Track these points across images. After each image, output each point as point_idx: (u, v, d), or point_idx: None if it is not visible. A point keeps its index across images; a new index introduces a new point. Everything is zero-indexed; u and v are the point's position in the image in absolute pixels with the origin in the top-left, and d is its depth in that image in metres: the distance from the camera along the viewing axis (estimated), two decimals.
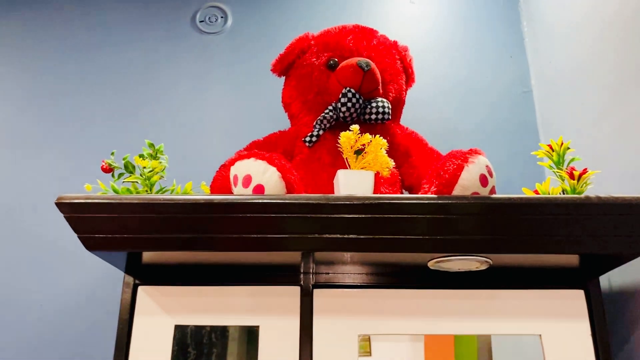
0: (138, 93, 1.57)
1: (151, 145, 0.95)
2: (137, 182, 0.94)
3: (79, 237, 0.90)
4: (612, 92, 1.18)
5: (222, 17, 1.62)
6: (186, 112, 1.55)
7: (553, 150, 0.98)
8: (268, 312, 1.01)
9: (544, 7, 1.51)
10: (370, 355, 1.05)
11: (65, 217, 0.89)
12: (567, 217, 0.87)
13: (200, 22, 1.62)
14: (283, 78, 1.33)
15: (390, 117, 1.21)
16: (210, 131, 1.53)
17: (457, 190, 0.88)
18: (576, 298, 1.01)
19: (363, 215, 0.88)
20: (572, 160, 0.97)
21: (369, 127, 1.19)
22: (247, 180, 0.91)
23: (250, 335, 1.03)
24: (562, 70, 1.40)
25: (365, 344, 1.06)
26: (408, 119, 1.33)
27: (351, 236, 0.89)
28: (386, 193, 1.13)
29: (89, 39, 1.63)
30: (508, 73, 1.57)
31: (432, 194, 0.90)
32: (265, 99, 1.54)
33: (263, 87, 1.55)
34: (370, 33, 1.31)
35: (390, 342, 1.06)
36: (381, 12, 1.66)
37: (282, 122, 1.33)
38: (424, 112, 1.52)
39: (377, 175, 1.01)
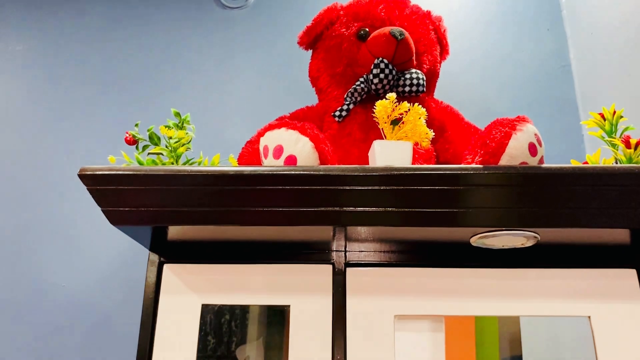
0: (163, 68, 1.54)
1: (177, 115, 0.91)
2: (162, 153, 0.89)
3: (103, 211, 0.86)
4: None
5: None
6: (211, 88, 1.51)
7: (605, 119, 0.91)
8: (299, 291, 0.96)
9: None
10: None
11: (88, 189, 0.85)
12: (622, 188, 0.81)
13: None
14: (310, 52, 1.28)
15: (424, 90, 1.15)
16: (235, 107, 1.49)
17: (504, 160, 0.82)
18: (628, 277, 0.95)
19: (401, 187, 0.82)
20: (626, 129, 0.90)
21: (402, 100, 1.12)
22: (279, 150, 0.86)
23: (279, 315, 0.98)
24: (604, 42, 1.33)
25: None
26: (441, 93, 1.27)
27: (389, 209, 0.83)
28: None
29: (115, 16, 1.61)
30: (545, 47, 1.50)
31: (477, 164, 0.84)
32: (292, 74, 1.50)
33: (289, 62, 1.51)
34: (402, 2, 1.25)
35: (410, 333, 1.01)
36: None
37: (309, 97, 1.29)
38: (457, 87, 1.46)
39: (414, 147, 0.95)
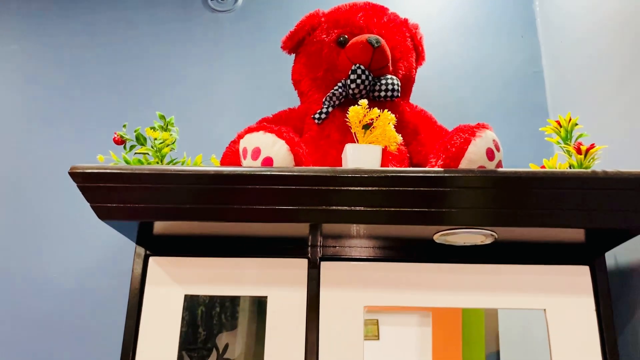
0: (149, 71, 1.58)
1: (162, 117, 0.97)
2: (148, 153, 0.95)
3: (92, 207, 0.92)
4: (624, 73, 1.17)
5: None
6: (197, 89, 1.56)
7: (561, 126, 0.98)
8: (276, 283, 1.03)
9: None
10: (378, 339, 1.08)
11: (78, 186, 0.91)
12: (573, 191, 0.88)
13: (212, 0, 1.63)
14: (293, 55, 1.34)
15: (399, 95, 1.21)
16: (220, 108, 1.55)
17: (463, 164, 0.89)
18: (581, 274, 1.02)
19: (370, 188, 0.89)
20: (580, 136, 0.97)
21: (378, 104, 1.19)
22: (256, 152, 0.92)
23: (260, 306, 1.05)
24: (573, 50, 1.40)
25: (373, 328, 1.08)
26: (417, 98, 1.33)
27: (358, 208, 0.90)
28: None
29: (102, 18, 1.65)
30: (519, 53, 1.56)
31: (439, 167, 0.91)
32: (275, 77, 1.55)
33: (273, 65, 1.56)
34: (381, 10, 1.31)
35: (397, 327, 1.08)
36: None
37: (292, 99, 1.34)
38: (433, 91, 1.51)
39: (385, 151, 1.02)
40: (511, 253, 1.03)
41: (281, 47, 1.32)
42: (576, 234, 0.96)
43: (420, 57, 1.35)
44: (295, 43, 1.30)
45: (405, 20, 1.33)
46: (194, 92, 1.56)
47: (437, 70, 1.53)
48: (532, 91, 1.52)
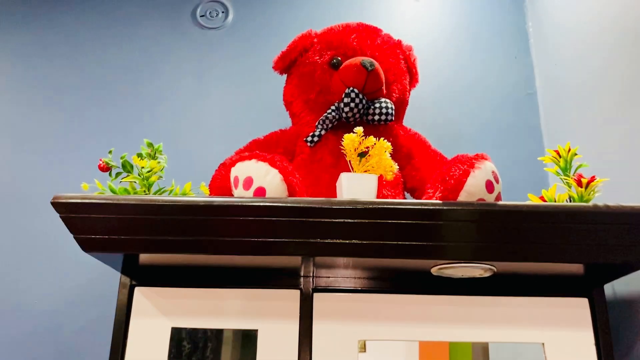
0: (137, 90, 1.54)
1: (150, 145, 0.93)
2: (135, 182, 0.91)
3: (75, 238, 0.88)
4: (621, 95, 1.16)
5: (223, 12, 1.60)
6: (186, 109, 1.52)
7: (560, 156, 0.96)
8: (267, 315, 0.99)
9: (550, 7, 1.49)
10: (365, 351, 1.04)
11: (61, 217, 0.87)
12: (575, 226, 0.86)
13: (201, 16, 1.60)
14: (285, 76, 1.31)
15: (393, 118, 1.19)
16: (210, 129, 1.51)
17: (462, 196, 0.87)
18: (580, 306, 1.00)
19: (366, 221, 0.86)
20: (580, 166, 0.95)
21: (371, 127, 1.17)
22: (248, 182, 0.89)
23: (248, 339, 1.01)
24: (568, 72, 1.38)
25: (360, 341, 1.05)
26: (410, 120, 1.31)
27: (354, 241, 0.87)
28: (388, 196, 1.11)
29: (86, 34, 1.60)
30: (512, 74, 1.55)
31: (437, 199, 0.88)
32: (266, 97, 1.52)
33: (264, 85, 1.53)
34: (374, 32, 1.29)
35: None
36: (384, 11, 1.64)
37: (283, 120, 1.31)
38: (426, 113, 1.50)
39: (380, 178, 0.99)
40: (509, 285, 1.00)
41: (273, 68, 1.29)
42: (575, 268, 0.94)
43: (413, 80, 1.33)
44: (287, 64, 1.28)
45: (399, 42, 1.31)
46: (182, 112, 1.52)
47: (428, 92, 1.51)
48: (526, 113, 1.51)
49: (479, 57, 1.57)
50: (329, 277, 1.02)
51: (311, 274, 1.01)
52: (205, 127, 1.51)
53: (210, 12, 1.59)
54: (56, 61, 1.58)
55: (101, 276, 1.31)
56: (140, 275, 1.03)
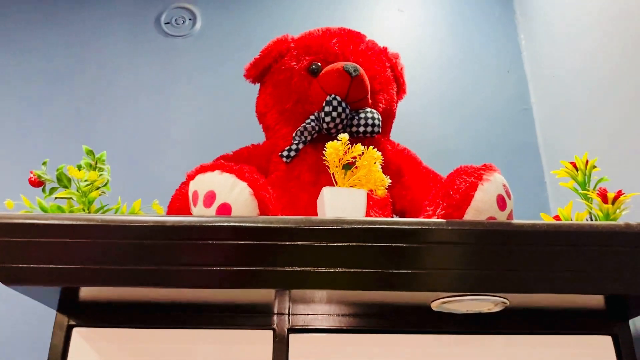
0: (92, 98, 1.39)
1: (90, 153, 0.77)
2: (72, 198, 0.75)
3: None
4: (629, 108, 1.04)
5: (190, 19, 1.47)
6: (146, 122, 1.38)
7: (577, 169, 0.82)
8: None
9: (543, 17, 1.39)
10: None
11: None
12: (601, 249, 0.72)
13: (166, 24, 1.46)
14: (258, 85, 1.17)
15: (380, 130, 1.06)
16: (173, 144, 1.37)
17: (469, 214, 0.72)
18: (603, 345, 0.85)
19: (353, 244, 0.71)
20: (600, 180, 0.82)
21: (355, 141, 1.01)
22: (210, 197, 0.73)
23: None
24: (566, 84, 1.27)
25: None
26: (395, 137, 1.18)
27: (338, 270, 0.71)
28: (376, 217, 0.96)
29: (39, 37, 1.45)
30: (505, 89, 1.44)
31: (439, 217, 0.73)
32: (237, 109, 1.39)
33: (235, 96, 1.40)
34: (357, 37, 1.17)
35: None
36: (366, 21, 1.53)
37: (256, 134, 1.17)
38: (414, 130, 1.37)
39: (368, 195, 0.84)
40: (523, 321, 0.85)
41: (244, 76, 1.16)
42: (595, 300, 0.80)
43: (401, 90, 1.20)
44: (260, 71, 1.14)
45: (385, 49, 1.19)
46: (142, 125, 1.38)
47: (417, 105, 1.39)
48: (521, 130, 1.40)
49: (468, 71, 1.46)
50: (307, 314, 0.86)
51: (287, 311, 0.85)
52: (168, 142, 1.37)
53: (176, 20, 1.46)
54: (7, 67, 1.42)
55: (32, 314, 1.12)
56: (81, 314, 0.86)
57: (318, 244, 0.71)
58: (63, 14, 1.48)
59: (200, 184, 0.75)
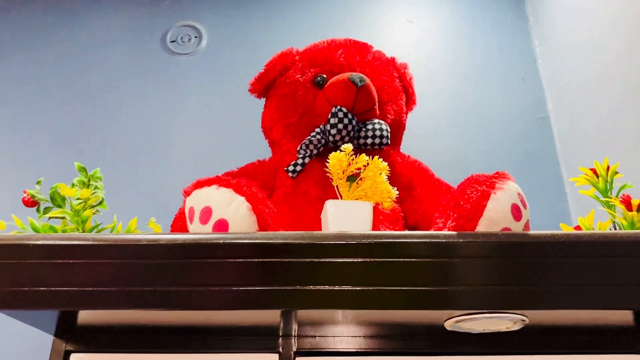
0: (97, 116, 1.39)
1: (82, 170, 0.74)
2: (65, 217, 0.72)
3: None
4: None
5: (196, 37, 1.46)
6: (152, 141, 1.36)
7: (598, 176, 0.77)
8: None
9: (557, 24, 1.34)
10: None
11: None
12: (627, 260, 0.66)
13: (172, 42, 1.45)
14: (263, 100, 1.14)
15: (389, 142, 1.02)
16: (179, 161, 1.35)
17: (482, 225, 0.67)
18: None
19: (360, 260, 0.67)
20: (623, 187, 0.76)
21: (363, 153, 0.98)
22: (206, 213, 0.70)
23: None
24: (584, 91, 1.22)
25: None
26: (405, 149, 1.14)
27: (344, 288, 0.67)
28: None
29: (48, 57, 1.45)
30: (520, 98, 1.40)
31: (449, 230, 0.69)
32: (242, 125, 1.37)
33: (240, 113, 1.39)
34: (364, 47, 1.14)
35: None
36: (375, 33, 1.50)
37: (262, 150, 1.14)
38: (426, 142, 1.33)
39: (376, 209, 0.80)
40: (543, 341, 0.79)
41: (249, 91, 1.13)
42: (623, 316, 0.74)
43: (410, 101, 1.17)
44: (265, 85, 1.12)
45: (392, 59, 1.16)
46: (148, 144, 1.36)
47: (429, 116, 1.35)
48: (538, 140, 1.35)
49: (482, 80, 1.43)
50: (315, 336, 0.81)
51: (293, 333, 0.80)
52: (174, 160, 1.34)
53: (182, 38, 1.46)
54: (17, 84, 1.43)
55: (28, 340, 1.09)
56: (78, 339, 0.82)
57: (321, 260, 0.67)
58: (68, 31, 1.48)
59: (197, 200, 0.72)
